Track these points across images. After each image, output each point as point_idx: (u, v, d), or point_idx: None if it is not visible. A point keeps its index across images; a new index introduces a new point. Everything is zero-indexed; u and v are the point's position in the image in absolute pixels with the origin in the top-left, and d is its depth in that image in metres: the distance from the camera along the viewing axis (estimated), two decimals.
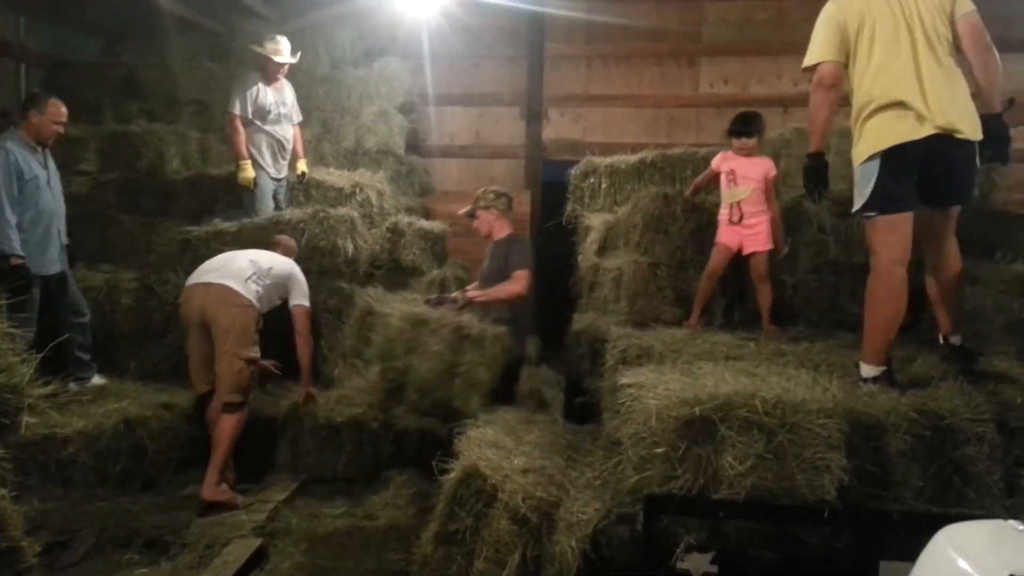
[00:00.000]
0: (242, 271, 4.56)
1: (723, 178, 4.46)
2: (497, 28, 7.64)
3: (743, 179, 4.36)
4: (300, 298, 4.79)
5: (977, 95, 3.18)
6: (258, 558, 3.88)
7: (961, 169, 3.12)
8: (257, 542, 3.95)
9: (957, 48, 3.19)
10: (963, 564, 1.45)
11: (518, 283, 4.45)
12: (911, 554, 2.39)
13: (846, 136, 4.39)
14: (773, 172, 4.40)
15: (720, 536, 2.72)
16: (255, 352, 4.49)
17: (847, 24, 3.23)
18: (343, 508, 4.48)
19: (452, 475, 3.28)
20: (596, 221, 5.65)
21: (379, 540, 4.11)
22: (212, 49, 7.44)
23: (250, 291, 4.52)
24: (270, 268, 4.69)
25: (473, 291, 4.58)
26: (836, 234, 4.36)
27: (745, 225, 4.31)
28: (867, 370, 3.11)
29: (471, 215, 4.78)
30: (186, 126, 6.92)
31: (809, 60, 3.37)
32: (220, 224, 5.63)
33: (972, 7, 3.18)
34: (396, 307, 4.41)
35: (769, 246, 4.29)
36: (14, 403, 3.09)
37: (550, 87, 7.75)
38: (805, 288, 4.33)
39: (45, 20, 7.20)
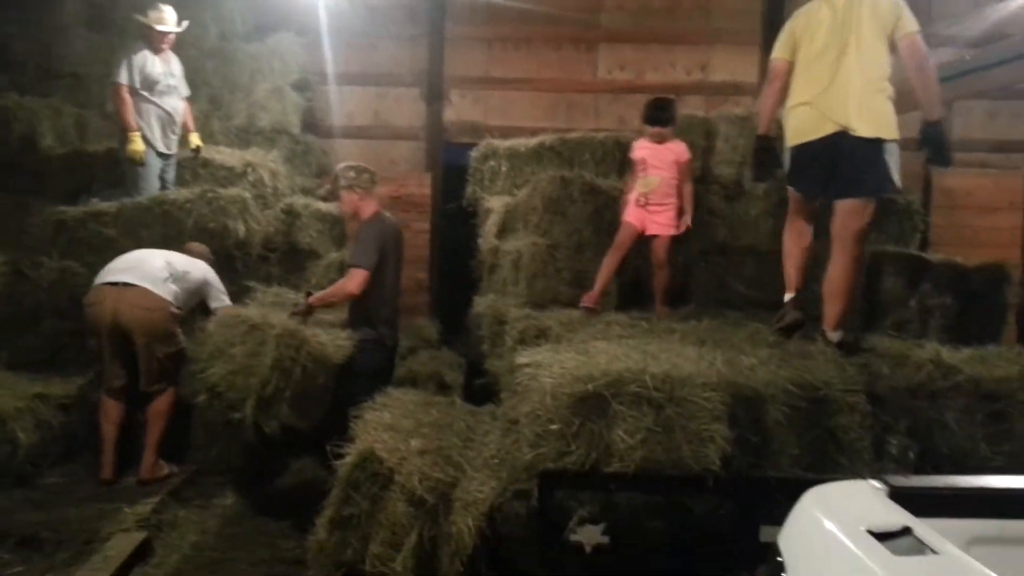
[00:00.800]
0: (158, 271, 4.42)
1: (636, 164, 4.50)
2: (397, 6, 7.50)
3: (654, 168, 4.39)
4: (220, 300, 4.68)
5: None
6: (143, 552, 3.71)
7: (860, 164, 3.41)
8: (141, 535, 3.78)
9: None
10: (826, 522, 1.54)
11: (351, 281, 4.24)
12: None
13: (735, 124, 4.58)
14: (685, 156, 4.42)
15: (611, 508, 2.80)
16: (179, 343, 4.42)
17: (797, 30, 3.64)
18: (234, 498, 4.35)
19: (347, 459, 3.24)
20: (496, 204, 5.66)
21: (272, 529, 4.03)
22: (91, 18, 6.95)
23: (168, 291, 4.40)
24: (185, 272, 4.55)
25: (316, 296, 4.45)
26: (723, 218, 4.53)
27: (651, 210, 4.37)
28: (786, 296, 3.68)
29: (332, 196, 4.64)
30: (62, 100, 6.46)
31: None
32: (99, 204, 5.32)
33: (915, 28, 3.47)
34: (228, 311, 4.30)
35: (672, 232, 4.34)
36: None
37: (451, 68, 7.68)
38: (695, 269, 4.49)
39: None
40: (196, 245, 5.02)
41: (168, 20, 5.59)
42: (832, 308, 3.47)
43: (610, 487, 2.78)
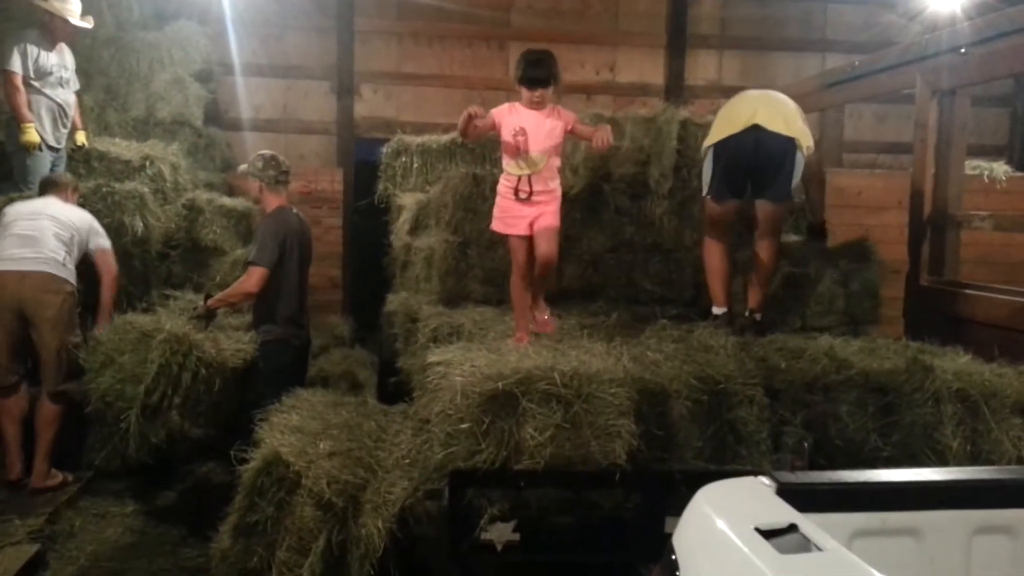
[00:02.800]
0: (56, 251, 4.29)
1: (507, 137, 3.38)
2: None
3: (536, 143, 3.34)
4: (102, 240, 4.61)
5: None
6: (35, 565, 3.52)
7: (775, 161, 3.70)
8: (33, 548, 3.60)
9: None
10: (717, 520, 1.60)
11: (249, 280, 4.11)
12: None
13: (640, 124, 4.67)
14: (571, 124, 3.43)
15: (522, 505, 2.82)
16: (78, 335, 4.27)
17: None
18: (134, 506, 4.18)
19: (252, 464, 3.15)
20: (408, 200, 5.60)
21: (174, 536, 3.89)
22: None
23: (69, 271, 4.31)
24: (72, 233, 4.42)
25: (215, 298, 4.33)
26: (631, 216, 4.61)
27: (534, 203, 3.37)
28: (714, 309, 3.88)
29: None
30: None
31: None
32: None
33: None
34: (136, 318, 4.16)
35: (557, 223, 3.44)
36: None
37: (362, 62, 7.57)
38: (603, 266, 4.55)
39: None
40: (61, 175, 4.91)
41: (75, 11, 5.30)
42: (758, 292, 3.90)
43: (520, 484, 2.79)
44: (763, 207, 3.81)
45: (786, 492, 1.68)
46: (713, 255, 3.90)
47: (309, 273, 4.58)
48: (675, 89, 7.49)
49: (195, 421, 3.88)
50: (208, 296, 4.33)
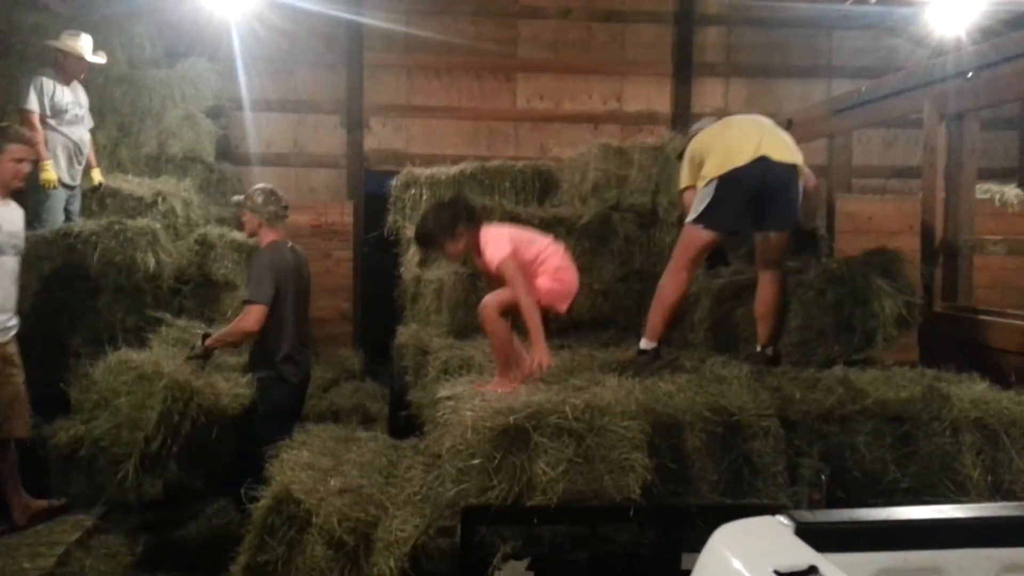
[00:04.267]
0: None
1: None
2: (314, 33, 7.43)
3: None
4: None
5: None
6: None
7: (782, 191, 3.67)
8: None
9: None
10: (735, 563, 1.56)
11: (247, 319, 4.00)
12: None
13: (648, 153, 4.69)
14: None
15: (535, 541, 2.78)
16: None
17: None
18: (145, 545, 4.15)
19: (262, 502, 3.13)
20: None
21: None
22: None
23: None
24: (17, 243, 4.29)
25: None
26: (640, 244, 4.61)
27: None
28: (645, 343, 3.67)
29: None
30: None
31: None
32: None
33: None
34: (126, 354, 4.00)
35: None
36: None
37: (371, 96, 7.65)
38: (613, 295, 4.54)
39: None
40: None
41: (87, 48, 5.41)
42: (771, 325, 3.76)
43: (533, 521, 2.76)
44: (769, 237, 3.76)
45: (805, 532, 1.64)
46: (677, 287, 3.68)
47: (308, 307, 4.51)
48: (682, 117, 7.51)
49: (193, 471, 3.81)
50: (206, 336, 4.19)
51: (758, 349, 3.77)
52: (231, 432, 3.93)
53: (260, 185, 4.43)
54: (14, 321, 4.27)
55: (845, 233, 6.14)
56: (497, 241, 3.33)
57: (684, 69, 7.64)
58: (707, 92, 7.73)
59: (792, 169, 3.67)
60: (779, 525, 1.70)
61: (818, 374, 3.37)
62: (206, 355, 4.08)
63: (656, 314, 3.69)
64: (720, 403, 2.96)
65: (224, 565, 3.20)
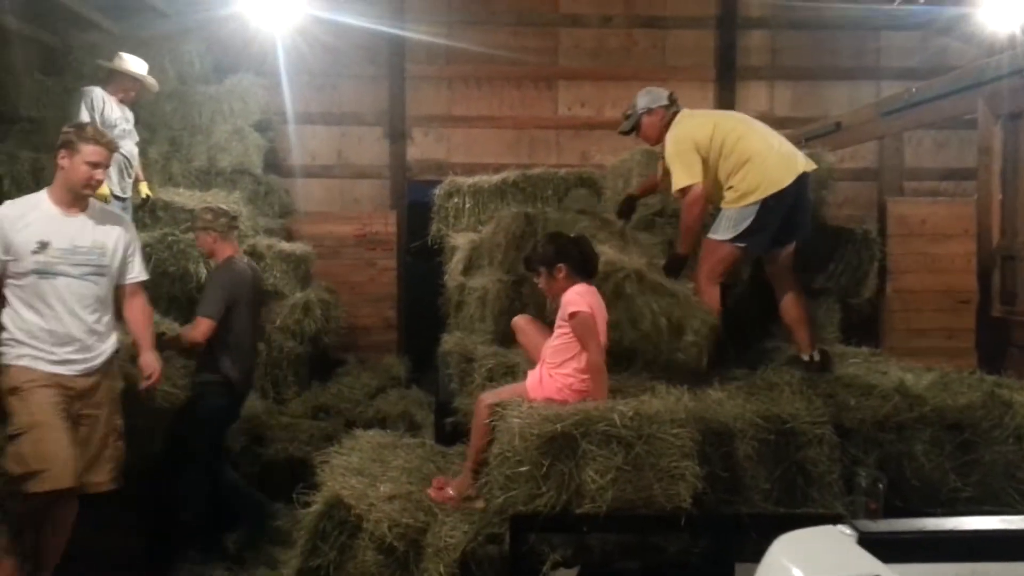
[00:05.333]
0: None
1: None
2: (356, 47, 7.54)
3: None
4: None
5: None
6: None
7: (807, 201, 3.74)
8: None
9: None
10: (797, 573, 1.53)
11: (196, 331, 4.11)
12: (762, 555, 2.52)
13: None
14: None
15: (585, 549, 2.77)
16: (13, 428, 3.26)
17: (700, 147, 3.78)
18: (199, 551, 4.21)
19: (314, 507, 3.16)
20: (461, 241, 5.64)
21: None
22: (45, 63, 6.89)
23: None
24: None
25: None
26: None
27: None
28: None
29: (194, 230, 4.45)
30: (17, 145, 6.33)
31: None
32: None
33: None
34: None
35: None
36: None
37: (413, 107, 7.73)
38: None
39: None
40: None
41: (142, 68, 5.57)
42: (805, 331, 3.74)
43: (582, 529, 2.74)
44: (788, 247, 3.80)
45: (868, 541, 1.61)
46: (715, 303, 3.68)
47: (260, 317, 4.61)
48: None
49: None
50: (161, 335, 4.23)
51: (805, 358, 3.69)
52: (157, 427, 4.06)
53: (206, 205, 4.58)
54: (90, 355, 3.40)
55: (897, 236, 6.04)
56: (583, 295, 3.28)
57: (727, 73, 7.57)
58: (751, 96, 7.64)
59: (809, 177, 3.74)
60: (841, 534, 1.66)
61: (873, 380, 3.29)
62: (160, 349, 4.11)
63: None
64: (772, 411, 2.91)
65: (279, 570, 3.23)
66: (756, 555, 2.59)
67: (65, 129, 3.37)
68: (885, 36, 7.62)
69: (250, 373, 4.50)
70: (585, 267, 3.37)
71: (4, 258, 3.23)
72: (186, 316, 5.14)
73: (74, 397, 3.28)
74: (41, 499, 3.11)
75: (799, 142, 5.57)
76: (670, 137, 3.85)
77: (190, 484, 4.16)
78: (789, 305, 3.75)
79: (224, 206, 4.54)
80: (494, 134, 7.70)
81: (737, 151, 3.69)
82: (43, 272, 3.25)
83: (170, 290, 5.08)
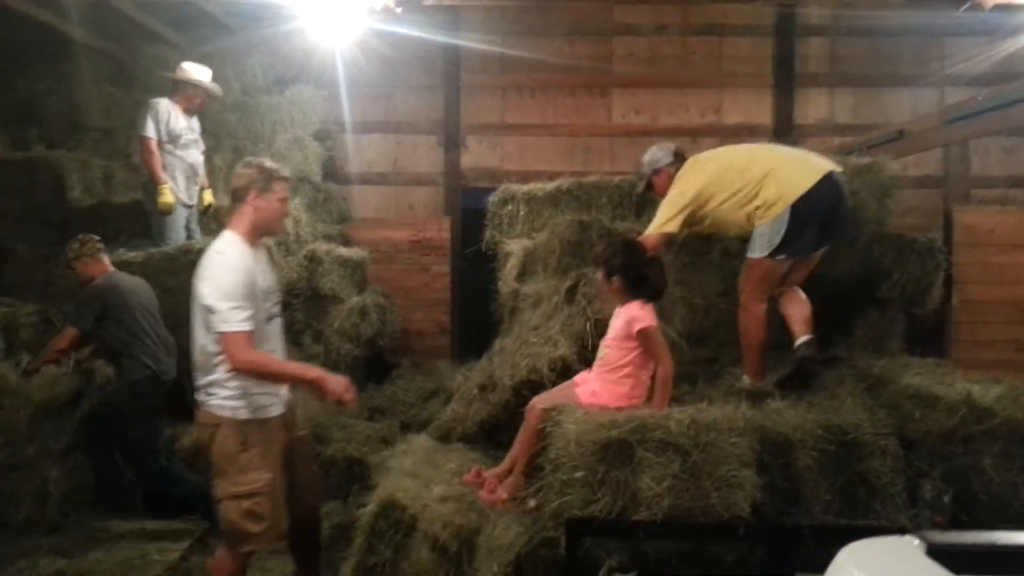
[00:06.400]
0: (199, 371, 3.20)
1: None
2: (413, 58, 7.66)
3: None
4: None
5: None
6: None
7: (846, 201, 3.74)
8: None
9: None
10: None
11: (60, 339, 4.66)
12: (823, 566, 2.48)
13: None
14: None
15: (640, 556, 2.76)
16: (250, 483, 3.05)
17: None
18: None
19: (369, 507, 3.22)
20: (515, 247, 5.68)
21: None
22: (114, 74, 7.17)
23: (216, 401, 3.12)
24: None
25: None
26: (741, 258, 4.50)
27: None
28: (749, 383, 3.65)
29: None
30: (88, 153, 6.61)
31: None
32: (125, 254, 5.39)
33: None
34: None
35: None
36: None
37: (467, 116, 7.81)
38: (714, 311, 4.45)
39: None
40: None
41: (206, 77, 5.76)
42: (807, 314, 3.76)
43: (638, 535, 2.74)
44: (819, 252, 3.83)
45: (938, 552, 1.57)
46: (760, 323, 3.68)
47: (153, 313, 4.83)
48: (784, 129, 7.31)
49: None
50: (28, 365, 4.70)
51: (801, 341, 3.68)
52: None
53: (70, 241, 4.84)
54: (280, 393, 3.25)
55: (964, 246, 5.86)
56: (649, 312, 3.34)
57: (786, 80, 7.46)
58: (811, 103, 7.51)
59: (841, 177, 3.73)
60: (909, 545, 1.62)
61: (938, 392, 3.20)
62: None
63: (749, 352, 3.72)
64: (833, 421, 2.86)
65: (333, 566, 3.29)
66: (816, 567, 2.56)
67: (244, 172, 3.23)
68: (950, 43, 7.42)
69: (171, 366, 4.76)
70: (640, 288, 3.39)
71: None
72: None
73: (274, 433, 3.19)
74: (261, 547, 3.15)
75: (860, 151, 5.47)
76: (674, 184, 3.91)
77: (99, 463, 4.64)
78: (800, 297, 3.79)
79: (85, 235, 4.85)
80: (548, 142, 7.72)
81: (751, 171, 3.72)
82: (268, 317, 3.21)
83: None
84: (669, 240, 3.99)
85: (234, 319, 2.98)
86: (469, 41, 7.60)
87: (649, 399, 3.30)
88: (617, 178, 5.88)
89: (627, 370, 3.31)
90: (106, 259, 4.82)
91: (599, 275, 3.53)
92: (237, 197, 3.20)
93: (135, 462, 4.64)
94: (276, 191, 3.20)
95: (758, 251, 3.68)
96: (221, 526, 3.11)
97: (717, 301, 4.49)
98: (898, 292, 4.51)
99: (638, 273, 3.40)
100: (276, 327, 3.29)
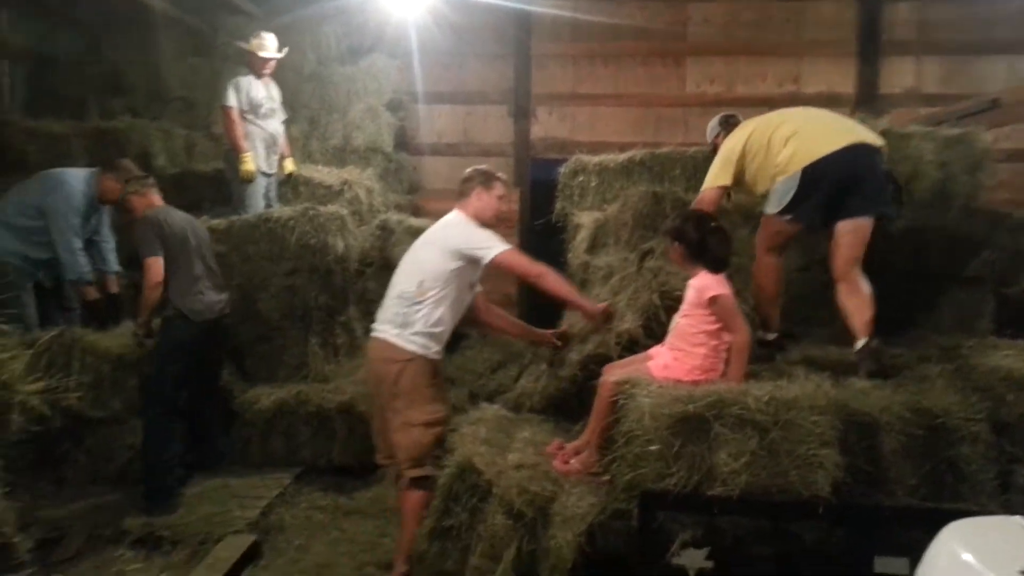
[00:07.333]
0: (396, 314, 3.64)
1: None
2: (484, 26, 7.63)
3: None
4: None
5: None
6: (252, 554, 3.87)
7: (878, 175, 3.63)
8: (251, 538, 3.95)
9: None
10: (971, 559, 1.47)
11: (149, 272, 4.40)
12: (906, 549, 2.44)
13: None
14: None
15: (715, 532, 2.75)
16: (436, 412, 3.61)
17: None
18: (337, 501, 4.49)
19: (447, 470, 3.30)
20: (586, 219, 5.65)
21: (374, 534, 4.12)
22: (196, 45, 7.37)
23: (410, 341, 3.57)
24: (421, 280, 3.65)
25: None
26: (823, 232, 4.39)
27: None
28: (768, 335, 3.83)
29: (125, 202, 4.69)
30: (171, 123, 6.83)
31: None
32: (208, 221, 5.56)
33: None
34: None
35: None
36: (3, 399, 3.06)
37: (538, 85, 7.76)
38: (795, 285, 4.36)
39: (28, 15, 7.10)
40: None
41: (269, 47, 5.84)
42: (869, 315, 3.48)
43: (714, 511, 2.73)
44: (858, 224, 3.56)
45: None
46: (767, 273, 3.83)
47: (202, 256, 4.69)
48: (867, 99, 7.04)
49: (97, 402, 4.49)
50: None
51: (864, 344, 3.41)
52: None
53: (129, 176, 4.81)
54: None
55: None
56: (720, 281, 3.31)
57: (871, 47, 7.17)
58: (896, 71, 7.20)
59: (879, 152, 3.62)
60: (1018, 525, 1.58)
61: None
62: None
63: (761, 305, 3.86)
64: (922, 404, 2.78)
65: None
66: (899, 549, 2.53)
67: (471, 176, 3.87)
68: None
69: (206, 306, 4.55)
70: (702, 256, 3.37)
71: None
72: (320, 285, 5.44)
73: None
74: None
75: (949, 121, 5.24)
76: (722, 145, 4.13)
77: (150, 425, 4.36)
78: (861, 289, 3.55)
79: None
80: (619, 112, 7.62)
81: (779, 135, 3.76)
82: (471, 284, 3.86)
83: (311, 261, 5.35)
84: (726, 198, 4.15)
85: (500, 244, 3.67)
86: (540, 7, 7.52)
87: (720, 372, 3.28)
88: (692, 149, 5.78)
89: (700, 338, 3.28)
90: (154, 194, 4.72)
91: (672, 250, 3.51)
92: (463, 191, 3.82)
93: (145, 407, 4.45)
94: (497, 190, 3.84)
95: (770, 207, 3.78)
96: (407, 453, 3.55)
97: (796, 276, 4.39)
98: (988, 270, 4.33)
99: (699, 240, 3.37)
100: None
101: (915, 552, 2.47)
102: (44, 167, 5.11)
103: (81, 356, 4.51)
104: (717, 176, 3.98)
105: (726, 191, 4.07)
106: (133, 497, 4.30)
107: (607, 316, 3.85)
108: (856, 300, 3.49)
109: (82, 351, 4.52)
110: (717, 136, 4.47)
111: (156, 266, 4.38)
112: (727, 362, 3.26)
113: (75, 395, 4.09)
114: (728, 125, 4.39)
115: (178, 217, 4.65)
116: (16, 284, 4.73)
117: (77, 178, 4.98)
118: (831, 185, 3.56)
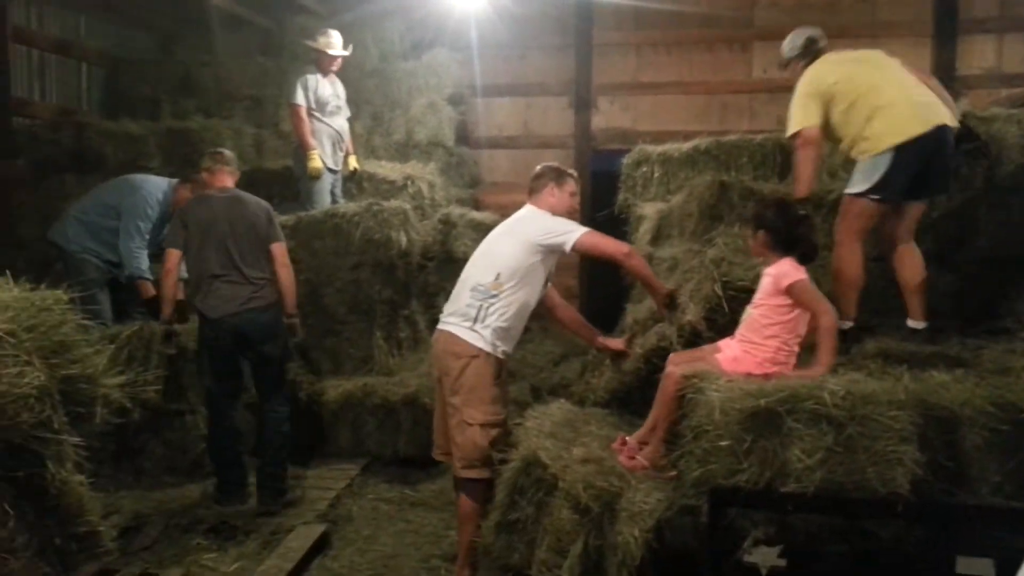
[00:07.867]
0: (469, 307, 3.55)
1: None
2: (544, 17, 7.59)
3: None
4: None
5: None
6: (321, 545, 3.96)
7: (949, 158, 3.67)
8: (320, 529, 4.04)
9: None
10: None
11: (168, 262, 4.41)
12: (990, 550, 2.34)
13: None
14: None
15: (788, 529, 2.68)
16: (496, 413, 3.56)
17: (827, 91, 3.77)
18: (403, 493, 4.56)
19: (512, 463, 3.30)
20: (649, 210, 5.58)
21: (439, 526, 4.17)
22: (263, 45, 7.56)
23: (479, 335, 3.51)
24: (498, 273, 3.56)
25: None
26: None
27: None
28: (846, 324, 3.60)
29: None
30: (241, 121, 7.03)
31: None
32: (278, 218, 5.71)
33: None
34: None
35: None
36: (89, 393, 3.18)
37: (599, 76, 7.69)
38: (871, 277, 4.21)
39: (104, 19, 7.39)
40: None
41: (336, 44, 5.93)
42: (919, 299, 3.68)
43: (787, 508, 2.66)
44: (919, 206, 3.71)
45: None
46: (854, 261, 3.66)
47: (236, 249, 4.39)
48: (944, 81, 6.64)
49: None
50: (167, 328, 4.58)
51: (920, 326, 3.57)
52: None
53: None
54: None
55: None
56: (800, 268, 3.22)
57: (948, 27, 6.87)
58: (975, 52, 6.88)
59: (951, 132, 3.61)
60: None
61: None
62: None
63: (841, 293, 3.66)
64: (1007, 398, 2.66)
65: None
66: (982, 550, 2.42)
67: (542, 172, 3.84)
68: None
69: (221, 301, 4.26)
70: (789, 246, 3.26)
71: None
72: (384, 279, 5.51)
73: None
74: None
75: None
76: (799, 81, 3.86)
77: (207, 419, 4.45)
78: (914, 267, 3.67)
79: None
80: (682, 100, 7.49)
81: (869, 99, 3.63)
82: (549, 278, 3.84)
83: (375, 255, 5.44)
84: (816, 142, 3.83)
85: (580, 227, 3.65)
86: None
87: (793, 367, 3.19)
88: (759, 136, 5.64)
89: (773, 330, 3.18)
90: (197, 185, 4.77)
91: (754, 240, 3.42)
92: (535, 188, 3.79)
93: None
94: (569, 186, 3.82)
95: (855, 186, 3.65)
96: (462, 452, 3.50)
97: (871, 267, 4.24)
98: None
99: (786, 229, 3.27)
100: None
101: (1000, 553, 2.39)
102: (122, 167, 5.34)
103: (159, 351, 4.66)
104: (808, 115, 3.76)
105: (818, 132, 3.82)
106: (207, 488, 4.45)
107: (670, 299, 3.80)
108: (912, 268, 3.68)
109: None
110: (795, 59, 4.08)
111: (170, 258, 4.37)
112: (813, 349, 3.16)
113: (154, 388, 4.26)
114: (809, 53, 4.00)
115: (210, 206, 4.38)
116: (96, 281, 4.93)
117: (157, 186, 5.15)
118: (919, 166, 3.52)
